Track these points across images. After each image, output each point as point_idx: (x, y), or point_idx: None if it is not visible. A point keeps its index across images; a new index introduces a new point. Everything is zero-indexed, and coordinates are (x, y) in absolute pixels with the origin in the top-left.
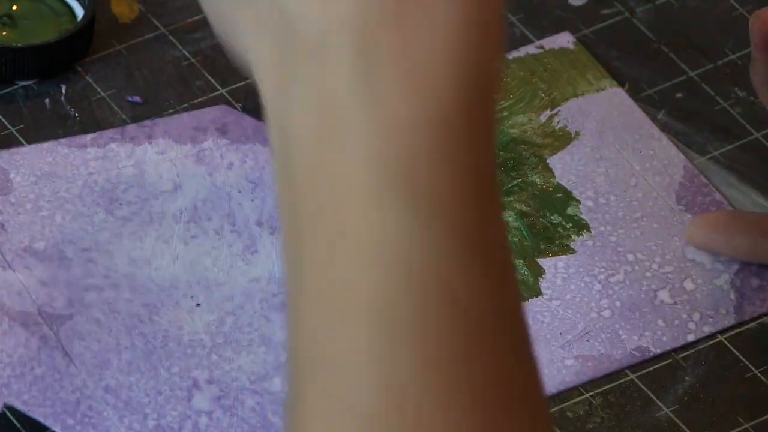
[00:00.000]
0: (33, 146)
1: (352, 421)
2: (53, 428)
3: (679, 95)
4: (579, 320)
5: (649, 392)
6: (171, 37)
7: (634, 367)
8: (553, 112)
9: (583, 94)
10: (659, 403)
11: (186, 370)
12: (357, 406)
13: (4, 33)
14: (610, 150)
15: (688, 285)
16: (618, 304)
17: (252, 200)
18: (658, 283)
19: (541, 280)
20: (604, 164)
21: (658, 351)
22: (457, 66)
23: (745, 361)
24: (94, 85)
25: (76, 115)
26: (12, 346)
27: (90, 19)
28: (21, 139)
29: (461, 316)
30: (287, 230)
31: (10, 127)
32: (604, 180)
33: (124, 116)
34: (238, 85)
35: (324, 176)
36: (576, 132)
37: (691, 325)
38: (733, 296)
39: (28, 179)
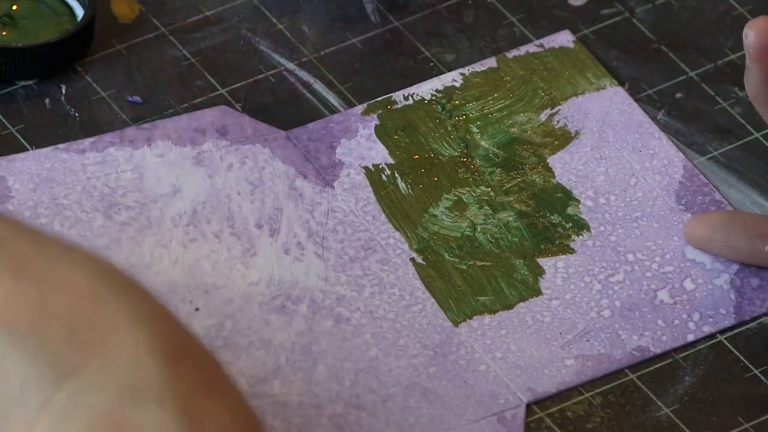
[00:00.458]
0: (31, 152)
1: None
2: None
3: (679, 95)
4: (579, 320)
5: (649, 392)
6: (171, 37)
7: (634, 367)
8: (553, 111)
9: (583, 93)
10: (659, 403)
11: None
12: None
13: (4, 33)
14: (610, 149)
15: (688, 285)
16: (618, 303)
17: (251, 202)
18: (658, 282)
19: (541, 280)
20: (604, 164)
21: (658, 351)
22: None
23: (745, 361)
24: (94, 85)
25: (76, 115)
26: None
27: (90, 19)
28: (21, 139)
29: None
30: None
31: (10, 127)
32: (604, 180)
33: (124, 116)
34: (238, 85)
35: None
36: (576, 131)
37: (691, 325)
38: (732, 296)
39: (27, 186)
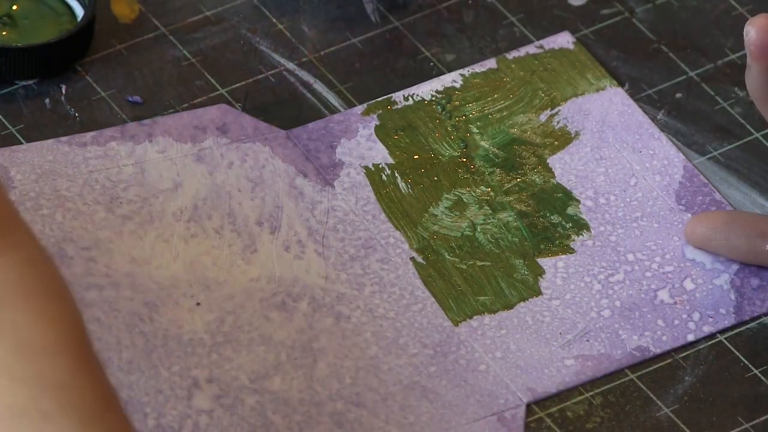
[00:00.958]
0: (34, 144)
1: None
2: None
3: (679, 95)
4: (579, 320)
5: (649, 392)
6: (171, 37)
7: (634, 367)
8: (553, 111)
9: (583, 94)
10: (659, 403)
11: (186, 369)
12: None
13: (4, 33)
14: (610, 150)
15: (688, 285)
16: (618, 303)
17: (252, 199)
18: (658, 282)
19: (541, 280)
20: (604, 164)
21: (658, 351)
22: None
23: (745, 361)
24: (94, 85)
25: (76, 115)
26: None
27: (90, 19)
28: (21, 139)
29: None
30: None
31: (10, 127)
32: (604, 180)
33: (124, 116)
34: (238, 85)
35: None
36: (576, 132)
37: (691, 325)
38: (732, 296)
39: (29, 177)
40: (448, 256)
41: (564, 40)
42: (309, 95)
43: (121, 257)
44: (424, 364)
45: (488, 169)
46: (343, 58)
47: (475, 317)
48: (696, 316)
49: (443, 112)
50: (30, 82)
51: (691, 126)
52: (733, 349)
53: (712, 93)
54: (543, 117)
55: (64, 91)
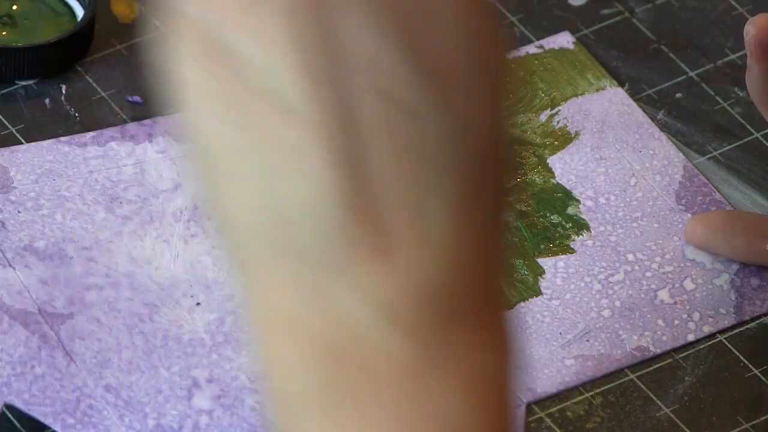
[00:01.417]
0: (33, 144)
1: None
2: (53, 427)
3: (679, 95)
4: (579, 320)
5: (649, 392)
6: None
7: (634, 367)
8: (553, 111)
9: (583, 94)
10: (659, 403)
11: (186, 369)
12: None
13: (4, 33)
14: (610, 150)
15: (688, 285)
16: (618, 303)
17: None
18: (658, 282)
19: (541, 280)
20: (604, 164)
21: (658, 351)
22: None
23: (745, 361)
24: (94, 85)
25: (76, 115)
26: (12, 345)
27: (90, 19)
28: (21, 139)
29: None
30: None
31: (10, 127)
32: (604, 180)
33: (124, 116)
34: None
35: None
36: (576, 132)
37: (691, 325)
38: (733, 296)
39: (29, 177)
40: None
41: (564, 40)
42: None
43: (121, 257)
44: None
45: None
46: None
47: None
48: (696, 316)
49: None
50: (30, 82)
51: (691, 126)
52: (733, 349)
53: (712, 93)
54: (543, 117)
55: (64, 91)
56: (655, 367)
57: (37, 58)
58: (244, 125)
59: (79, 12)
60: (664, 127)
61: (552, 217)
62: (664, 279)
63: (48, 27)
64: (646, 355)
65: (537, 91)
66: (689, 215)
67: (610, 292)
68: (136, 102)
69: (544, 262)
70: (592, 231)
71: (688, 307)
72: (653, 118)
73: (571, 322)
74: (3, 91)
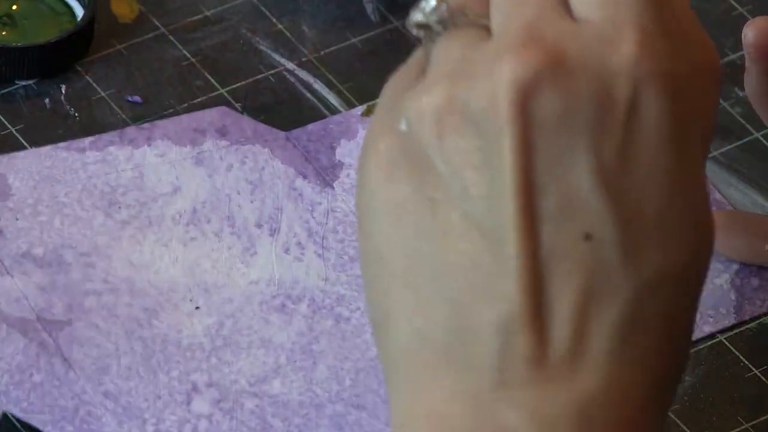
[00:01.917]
0: (31, 150)
1: None
2: None
3: None
4: None
5: None
6: (171, 37)
7: None
8: None
9: None
10: None
11: (185, 373)
12: None
13: (4, 33)
14: None
15: None
16: None
17: (251, 202)
18: None
19: None
20: None
21: None
22: None
23: (745, 361)
24: (94, 85)
25: (76, 115)
26: (10, 354)
27: (90, 19)
28: (21, 139)
29: None
30: None
31: (10, 126)
32: None
33: (124, 116)
34: (238, 84)
35: None
36: None
37: None
38: (733, 296)
39: (27, 184)
40: None
41: None
42: (309, 95)
43: (119, 262)
44: None
45: None
46: (343, 58)
47: None
48: (696, 315)
49: None
50: (30, 82)
51: None
52: (733, 349)
53: None
54: None
55: (64, 91)
56: None
57: (37, 58)
58: (441, 244)
59: (79, 12)
60: None
61: None
62: None
63: (48, 27)
64: None
65: None
66: None
67: None
68: (136, 102)
69: None
70: None
71: None
72: None
73: None
74: (3, 91)
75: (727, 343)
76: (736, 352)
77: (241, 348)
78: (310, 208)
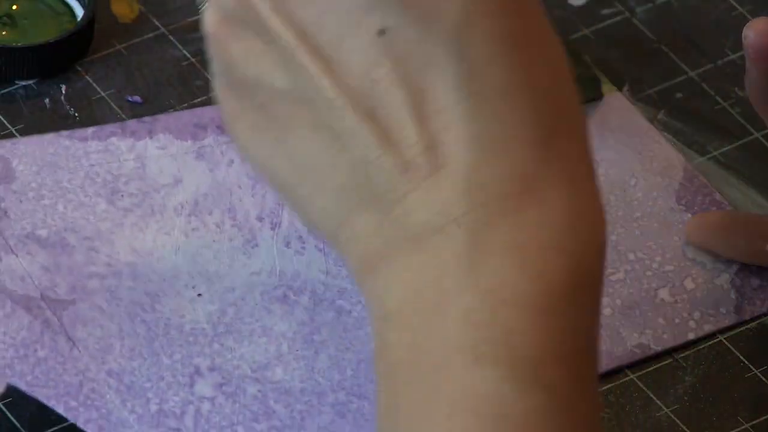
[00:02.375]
0: (35, 137)
1: None
2: (56, 409)
3: (679, 95)
4: None
5: (649, 392)
6: (171, 37)
7: (634, 367)
8: None
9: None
10: (659, 402)
11: (188, 357)
12: None
13: (4, 33)
14: (609, 152)
15: (689, 284)
16: (618, 302)
17: (252, 196)
18: (659, 281)
19: None
20: (604, 165)
21: (659, 348)
22: (566, 255)
23: (745, 361)
24: (94, 85)
25: (76, 115)
26: (15, 329)
27: (90, 19)
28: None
29: None
30: (383, 402)
31: (10, 126)
32: (604, 180)
33: (124, 116)
34: None
35: (420, 339)
36: None
37: (692, 324)
38: (733, 296)
39: (31, 168)
40: None
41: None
42: None
43: (122, 248)
44: None
45: None
46: None
47: None
48: (696, 314)
49: None
50: (30, 82)
51: (691, 126)
52: (733, 349)
53: (712, 93)
54: None
55: (64, 91)
56: (655, 367)
57: (37, 58)
58: (289, 135)
59: (79, 12)
60: (664, 128)
61: None
62: (665, 278)
63: (48, 27)
64: (646, 353)
65: None
66: (689, 215)
67: (611, 290)
68: (136, 102)
69: None
70: None
71: (688, 306)
72: (653, 118)
73: None
74: (3, 91)
75: (727, 343)
76: (736, 352)
77: (243, 335)
78: None
